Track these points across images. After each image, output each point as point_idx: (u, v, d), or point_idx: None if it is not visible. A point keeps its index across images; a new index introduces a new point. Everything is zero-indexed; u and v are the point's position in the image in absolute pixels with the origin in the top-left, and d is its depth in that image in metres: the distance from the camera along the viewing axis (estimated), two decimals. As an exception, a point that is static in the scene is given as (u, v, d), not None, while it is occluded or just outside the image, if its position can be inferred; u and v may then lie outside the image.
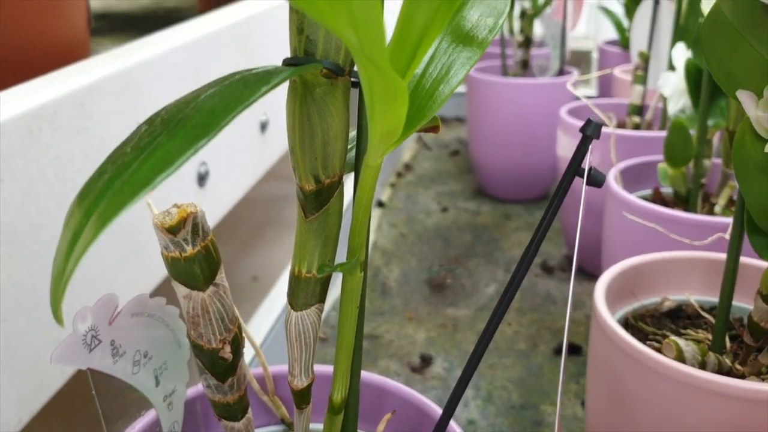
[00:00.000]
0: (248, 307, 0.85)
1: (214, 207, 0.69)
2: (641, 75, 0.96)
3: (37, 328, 0.45)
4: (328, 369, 0.40)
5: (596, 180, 0.28)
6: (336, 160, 0.29)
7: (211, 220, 0.69)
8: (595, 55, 1.68)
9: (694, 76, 0.68)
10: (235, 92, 0.22)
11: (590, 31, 1.99)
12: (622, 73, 1.23)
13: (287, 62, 0.27)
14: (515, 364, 0.78)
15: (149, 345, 0.31)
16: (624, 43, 1.46)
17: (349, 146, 0.31)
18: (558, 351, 0.81)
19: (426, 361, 0.79)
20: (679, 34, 0.88)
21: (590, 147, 0.27)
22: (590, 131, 0.27)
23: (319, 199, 0.29)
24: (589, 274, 0.96)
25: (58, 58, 0.55)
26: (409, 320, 0.87)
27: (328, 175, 0.29)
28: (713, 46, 0.38)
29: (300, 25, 0.27)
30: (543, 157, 1.17)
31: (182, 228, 0.28)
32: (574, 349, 0.81)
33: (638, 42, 1.01)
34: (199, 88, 0.25)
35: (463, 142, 1.55)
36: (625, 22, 1.46)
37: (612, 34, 1.63)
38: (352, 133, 0.30)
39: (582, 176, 0.28)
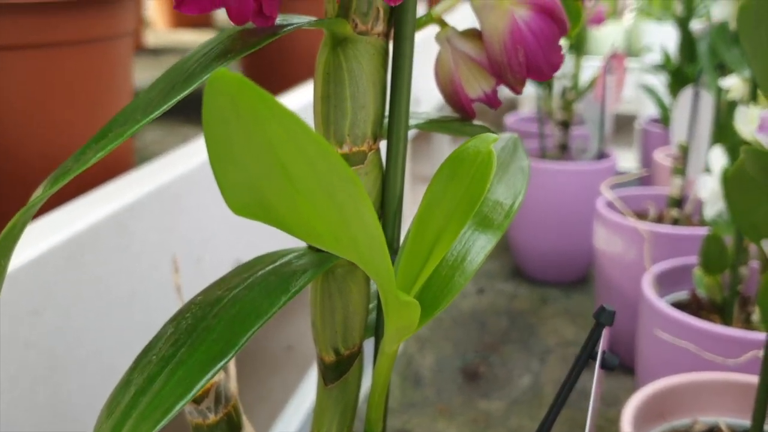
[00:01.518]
0: (283, 376, 0.85)
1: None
2: (680, 167, 0.96)
3: (70, 447, 0.46)
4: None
5: (609, 364, 0.28)
6: (356, 333, 0.30)
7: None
8: (638, 126, 1.68)
9: (729, 186, 0.68)
10: (256, 300, 0.24)
11: (635, 94, 1.97)
12: (662, 157, 1.23)
13: (311, 246, 0.28)
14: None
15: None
16: (666, 121, 1.45)
17: (369, 310, 0.32)
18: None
19: (456, 458, 0.78)
20: (718, 132, 0.88)
21: (603, 333, 0.28)
22: (603, 318, 0.28)
23: (338, 369, 0.30)
24: (626, 367, 0.95)
25: (103, 169, 0.57)
26: (441, 413, 0.87)
27: (348, 347, 0.30)
28: (738, 201, 0.39)
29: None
30: (581, 240, 1.17)
31: (205, 398, 0.29)
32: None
33: (678, 131, 1.01)
34: (228, 276, 0.27)
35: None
36: (666, 100, 1.46)
37: (655, 109, 1.63)
38: (372, 304, 0.31)
39: (595, 359, 0.28)
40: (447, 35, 0.31)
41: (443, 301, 0.26)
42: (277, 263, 0.26)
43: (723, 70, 0.89)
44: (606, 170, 1.18)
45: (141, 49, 1.60)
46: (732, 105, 0.84)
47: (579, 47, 1.37)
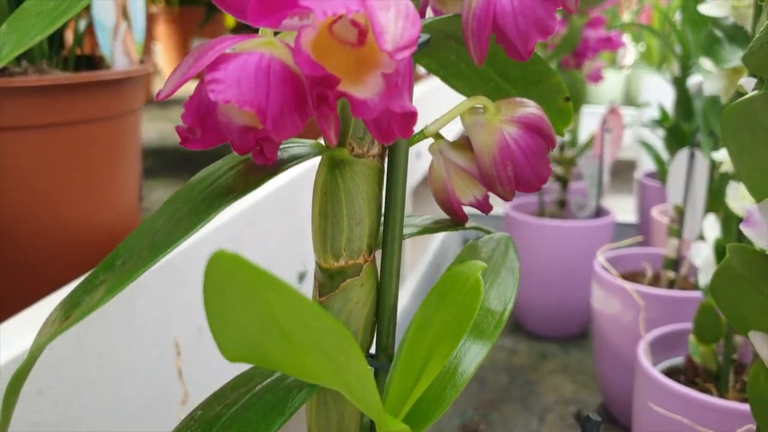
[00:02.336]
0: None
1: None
2: (676, 228, 0.97)
3: None
4: None
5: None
6: (351, 436, 0.31)
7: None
8: (636, 177, 1.70)
9: (722, 257, 0.69)
10: (253, 423, 0.25)
11: (634, 140, 1.99)
12: (659, 214, 1.24)
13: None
14: None
15: None
16: (663, 176, 1.47)
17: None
18: None
19: None
20: (712, 198, 0.89)
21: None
22: (588, 428, 0.29)
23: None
24: (622, 426, 0.95)
25: (107, 240, 0.59)
26: (439, 475, 0.87)
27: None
28: (725, 293, 0.40)
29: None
30: (580, 296, 1.18)
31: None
32: None
33: (675, 192, 1.02)
34: (226, 388, 0.28)
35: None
36: (664, 155, 1.48)
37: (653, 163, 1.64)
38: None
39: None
40: (439, 147, 0.33)
41: (434, 416, 0.27)
42: (274, 377, 0.27)
43: (716, 138, 0.91)
44: (604, 228, 1.19)
45: (149, 101, 1.63)
46: (725, 174, 0.86)
47: (577, 103, 1.39)
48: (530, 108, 0.31)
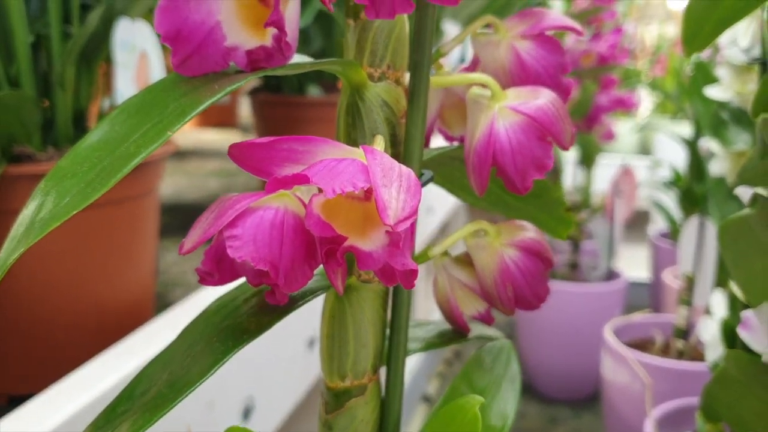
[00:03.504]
0: None
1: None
2: (686, 297, 0.98)
3: None
4: None
5: None
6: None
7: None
8: (650, 234, 1.71)
9: (729, 337, 0.70)
10: None
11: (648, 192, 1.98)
12: (671, 279, 1.25)
13: None
14: None
15: None
16: (675, 237, 1.48)
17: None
18: None
19: None
20: (721, 272, 0.90)
21: None
22: None
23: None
24: (633, 498, 0.95)
25: (124, 316, 0.61)
26: None
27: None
28: (723, 396, 0.41)
29: None
30: (591, 359, 1.18)
31: None
32: None
33: (685, 260, 1.03)
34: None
35: (511, 336, 1.56)
36: (677, 215, 1.49)
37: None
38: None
39: None
40: (443, 263, 0.34)
41: None
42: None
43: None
44: (616, 292, 1.20)
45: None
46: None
47: (589, 162, 1.41)
48: (529, 232, 0.33)
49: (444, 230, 1.45)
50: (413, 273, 0.24)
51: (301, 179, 0.22)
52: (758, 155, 0.37)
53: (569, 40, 1.19)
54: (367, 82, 0.29)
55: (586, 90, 1.22)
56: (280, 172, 0.25)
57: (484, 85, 0.31)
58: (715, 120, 0.72)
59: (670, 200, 1.50)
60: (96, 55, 0.58)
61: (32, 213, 0.23)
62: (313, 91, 1.10)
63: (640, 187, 1.69)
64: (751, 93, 0.69)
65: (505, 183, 0.31)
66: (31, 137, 0.54)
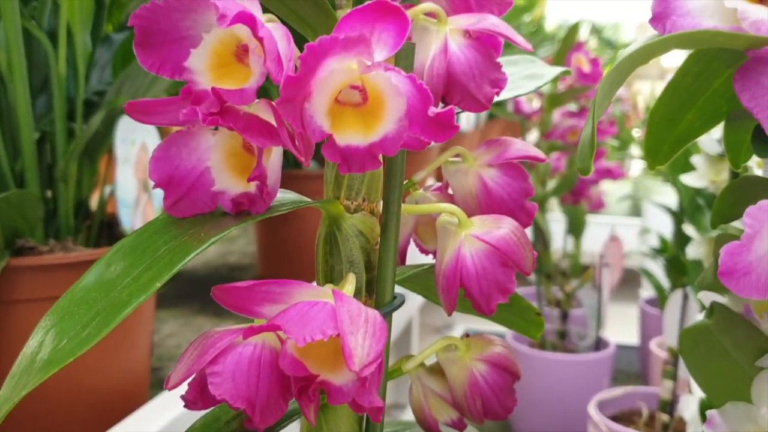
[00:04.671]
0: None
1: None
2: (671, 370, 1.00)
3: None
4: None
5: None
6: None
7: None
8: (639, 301, 1.73)
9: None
10: None
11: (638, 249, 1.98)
12: (658, 348, 1.27)
13: None
14: None
15: None
16: (663, 305, 1.50)
17: None
18: None
19: None
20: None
21: None
22: None
23: None
24: None
25: (120, 397, 0.62)
26: None
27: None
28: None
29: None
30: (578, 429, 1.19)
31: None
32: None
33: (669, 333, 1.05)
34: None
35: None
36: (665, 283, 1.51)
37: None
38: None
39: None
40: (418, 374, 0.37)
41: None
42: None
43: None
44: (604, 361, 1.21)
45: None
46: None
47: (577, 231, 1.44)
48: (497, 347, 0.35)
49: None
50: (380, 410, 0.26)
51: (275, 328, 0.24)
52: (712, 268, 0.40)
53: (556, 116, 1.23)
54: (344, 213, 0.32)
55: (572, 164, 1.25)
56: (260, 310, 0.27)
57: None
58: (692, 205, 0.75)
59: (658, 267, 1.52)
60: (98, 151, 0.61)
61: (33, 352, 0.26)
62: (311, 165, 1.13)
63: (631, 250, 1.72)
64: (724, 182, 0.72)
65: (472, 304, 0.33)
66: (33, 230, 0.57)
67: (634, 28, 4.70)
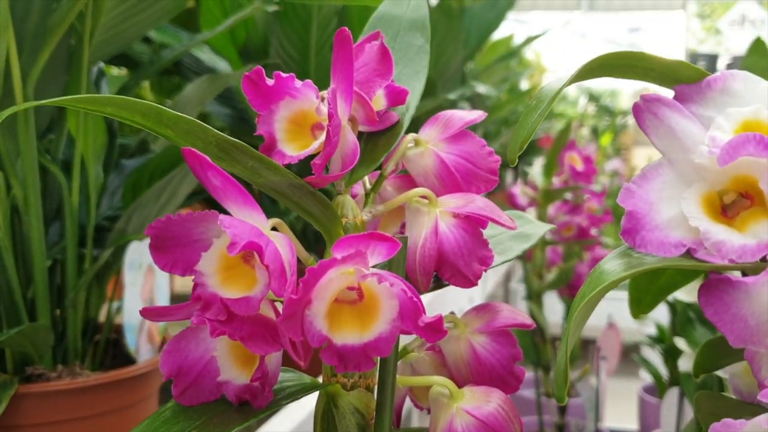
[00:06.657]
0: None
1: None
2: (669, 471, 1.00)
3: None
4: None
5: None
6: None
7: None
8: (642, 384, 1.72)
9: None
10: None
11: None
12: (656, 443, 1.27)
13: None
14: None
15: None
16: (661, 394, 1.50)
17: None
18: None
19: None
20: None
21: None
22: None
23: None
24: None
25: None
26: None
27: None
28: None
29: None
30: None
31: None
32: None
33: (667, 428, 1.06)
34: None
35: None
36: (663, 371, 1.51)
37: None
38: None
39: None
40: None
41: None
42: None
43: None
44: (602, 456, 1.21)
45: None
46: None
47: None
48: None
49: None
50: None
51: None
52: (695, 426, 0.41)
53: (551, 210, 1.26)
54: (341, 391, 0.34)
55: (569, 256, 1.28)
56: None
57: (444, 386, 0.36)
58: (682, 319, 0.77)
59: (656, 355, 1.52)
60: (107, 276, 0.63)
61: None
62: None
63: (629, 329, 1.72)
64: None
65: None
66: (42, 357, 0.59)
67: (630, 94, 4.77)
